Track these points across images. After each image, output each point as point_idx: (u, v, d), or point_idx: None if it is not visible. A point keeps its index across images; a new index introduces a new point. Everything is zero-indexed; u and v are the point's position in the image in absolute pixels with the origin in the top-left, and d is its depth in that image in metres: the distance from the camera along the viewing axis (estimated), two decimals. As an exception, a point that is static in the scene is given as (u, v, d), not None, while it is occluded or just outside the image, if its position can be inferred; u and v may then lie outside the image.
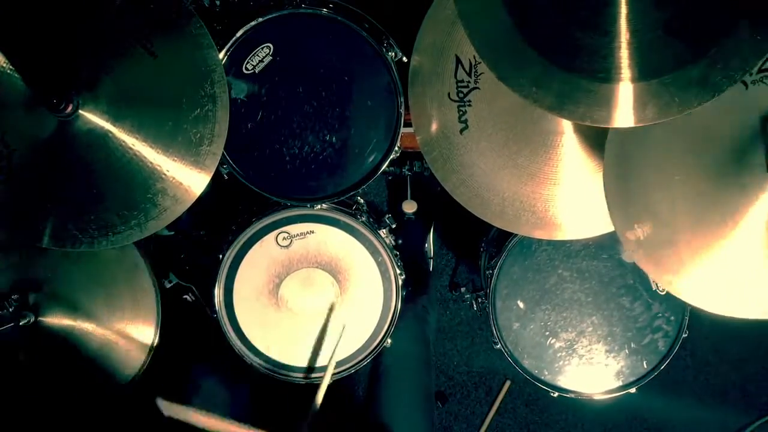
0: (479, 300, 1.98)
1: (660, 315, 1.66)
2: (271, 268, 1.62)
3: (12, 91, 1.25)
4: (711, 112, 1.19)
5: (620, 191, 1.27)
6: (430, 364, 1.90)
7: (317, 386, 1.43)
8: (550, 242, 1.64)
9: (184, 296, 1.79)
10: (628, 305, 1.67)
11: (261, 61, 1.42)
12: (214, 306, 1.61)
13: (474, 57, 1.38)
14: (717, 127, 1.21)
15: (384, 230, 1.71)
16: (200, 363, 1.82)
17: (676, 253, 1.26)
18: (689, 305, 1.48)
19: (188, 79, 1.29)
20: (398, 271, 1.62)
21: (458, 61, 1.38)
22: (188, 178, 1.34)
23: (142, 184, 1.32)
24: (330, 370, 1.55)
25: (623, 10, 1.07)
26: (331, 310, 1.64)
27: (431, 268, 2.35)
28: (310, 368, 1.68)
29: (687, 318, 1.65)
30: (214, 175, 1.35)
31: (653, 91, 1.09)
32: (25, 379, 1.55)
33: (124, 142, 1.29)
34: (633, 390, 1.70)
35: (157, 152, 1.31)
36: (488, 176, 1.46)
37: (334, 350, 1.61)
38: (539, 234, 1.50)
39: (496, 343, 1.70)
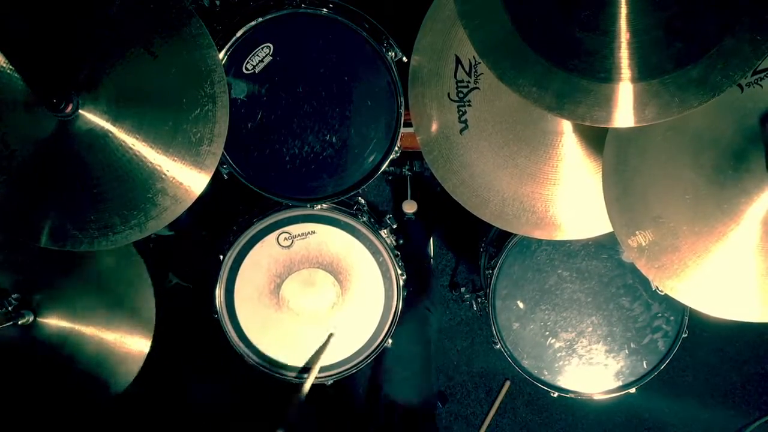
0: (479, 300, 1.97)
1: (660, 315, 1.66)
2: (272, 268, 1.62)
3: (12, 91, 1.25)
4: (707, 116, 1.20)
5: (620, 199, 1.27)
6: (431, 364, 1.90)
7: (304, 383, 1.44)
8: (549, 242, 1.64)
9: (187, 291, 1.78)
10: (627, 305, 1.67)
11: (261, 61, 1.42)
12: (215, 306, 1.61)
13: (474, 57, 1.38)
14: (714, 130, 1.21)
15: (385, 230, 1.71)
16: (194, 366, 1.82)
17: (680, 257, 1.26)
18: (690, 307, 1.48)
19: (188, 79, 1.29)
20: (399, 272, 1.62)
21: (458, 61, 1.38)
22: (188, 178, 1.33)
23: (142, 184, 1.32)
24: (314, 373, 1.57)
25: (623, 10, 1.07)
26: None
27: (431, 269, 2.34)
28: (310, 369, 1.68)
29: (687, 318, 1.65)
30: (214, 175, 1.35)
31: (653, 91, 1.09)
32: (23, 379, 1.55)
33: (124, 142, 1.29)
34: (633, 390, 1.70)
35: (157, 152, 1.31)
36: (488, 176, 1.46)
37: (320, 353, 1.62)
38: (539, 234, 1.50)
39: (496, 343, 1.70)
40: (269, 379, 1.68)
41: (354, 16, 1.44)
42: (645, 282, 1.65)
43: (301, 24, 1.40)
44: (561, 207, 1.47)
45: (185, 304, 1.81)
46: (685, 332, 1.66)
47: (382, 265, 1.63)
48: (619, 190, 1.27)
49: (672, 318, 1.66)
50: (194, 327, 1.86)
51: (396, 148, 1.49)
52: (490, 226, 1.62)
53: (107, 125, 1.28)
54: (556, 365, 1.70)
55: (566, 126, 1.41)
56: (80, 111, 1.26)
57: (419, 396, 1.79)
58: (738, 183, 1.21)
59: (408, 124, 1.46)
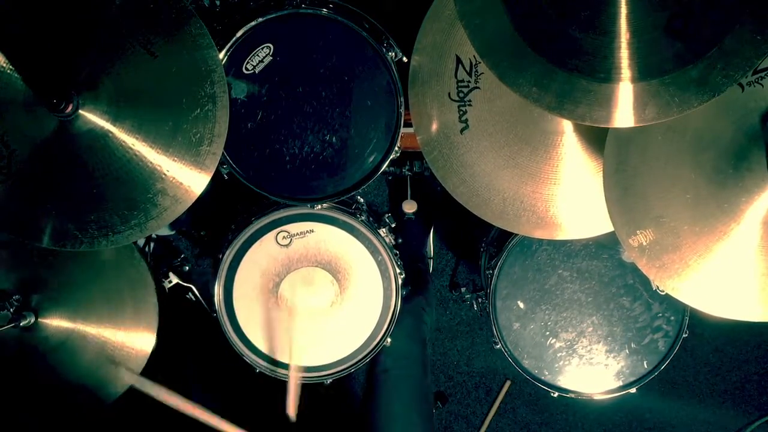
0: (479, 300, 1.98)
1: (660, 315, 1.66)
2: (271, 267, 1.62)
3: (12, 91, 1.25)
4: (708, 116, 1.20)
5: (621, 198, 1.27)
6: (427, 364, 1.90)
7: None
8: (550, 242, 1.64)
9: (187, 295, 1.79)
10: (628, 305, 1.67)
11: (261, 61, 1.42)
12: (214, 305, 1.62)
13: (474, 57, 1.38)
14: (714, 130, 1.21)
15: (384, 229, 1.71)
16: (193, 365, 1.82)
17: (681, 257, 1.26)
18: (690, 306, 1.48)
19: (188, 79, 1.29)
20: (398, 271, 1.62)
21: (458, 61, 1.38)
22: (188, 178, 1.34)
23: (142, 184, 1.32)
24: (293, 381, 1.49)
25: (623, 10, 1.07)
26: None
27: (431, 269, 2.35)
28: (308, 368, 1.68)
29: (687, 318, 1.65)
30: (214, 175, 1.35)
31: (653, 91, 1.09)
32: (23, 380, 1.55)
33: (124, 142, 1.29)
34: (633, 390, 1.70)
35: (157, 152, 1.31)
36: (488, 176, 1.46)
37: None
38: (539, 234, 1.50)
39: (496, 343, 1.70)
40: (268, 377, 1.68)
41: (354, 16, 1.44)
42: (645, 282, 1.65)
43: (301, 24, 1.40)
44: (561, 207, 1.47)
45: (186, 304, 1.81)
46: (686, 332, 1.66)
47: (380, 264, 1.63)
48: (620, 190, 1.27)
49: (672, 318, 1.66)
50: (194, 326, 1.86)
51: (396, 148, 1.49)
52: (491, 226, 1.62)
53: (107, 125, 1.28)
54: (557, 365, 1.70)
55: (567, 126, 1.41)
56: (80, 111, 1.26)
57: (416, 395, 1.79)
58: (739, 182, 1.21)
59: (408, 124, 1.46)
